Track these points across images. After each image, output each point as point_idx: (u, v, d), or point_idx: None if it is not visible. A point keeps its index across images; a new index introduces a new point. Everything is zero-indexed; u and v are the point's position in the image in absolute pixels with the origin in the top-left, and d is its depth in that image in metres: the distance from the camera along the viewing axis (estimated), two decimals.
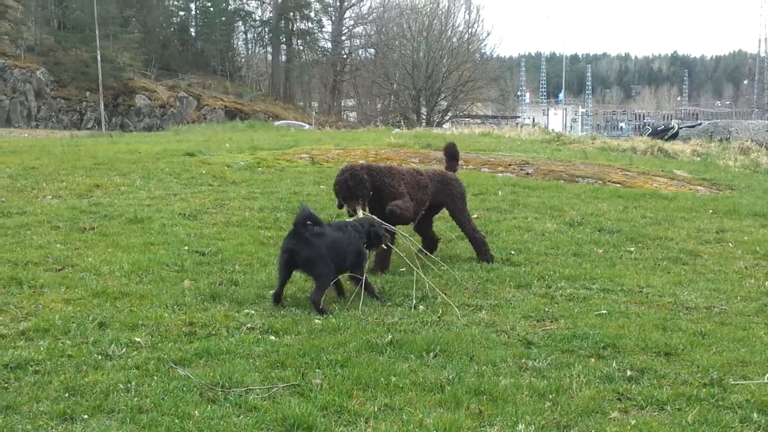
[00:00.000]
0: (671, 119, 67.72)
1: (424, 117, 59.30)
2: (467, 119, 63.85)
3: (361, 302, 6.84)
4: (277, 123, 50.45)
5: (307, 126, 51.37)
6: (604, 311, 6.95)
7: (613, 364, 5.55)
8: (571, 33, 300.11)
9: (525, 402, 4.79)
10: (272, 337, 5.92)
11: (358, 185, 8.04)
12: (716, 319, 6.90)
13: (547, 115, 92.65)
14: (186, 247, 8.75)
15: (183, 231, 9.59)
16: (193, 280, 7.46)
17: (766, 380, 5.31)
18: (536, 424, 4.46)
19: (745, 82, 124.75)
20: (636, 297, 7.59)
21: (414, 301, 7.10)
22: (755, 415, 4.73)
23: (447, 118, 63.00)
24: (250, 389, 4.80)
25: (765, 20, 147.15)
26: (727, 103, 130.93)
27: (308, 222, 6.90)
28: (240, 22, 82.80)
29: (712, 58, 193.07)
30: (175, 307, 6.58)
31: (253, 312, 6.54)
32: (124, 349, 5.46)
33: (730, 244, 10.17)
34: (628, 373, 5.39)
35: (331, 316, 6.55)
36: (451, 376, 5.16)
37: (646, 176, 16.81)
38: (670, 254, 9.54)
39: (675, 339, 6.18)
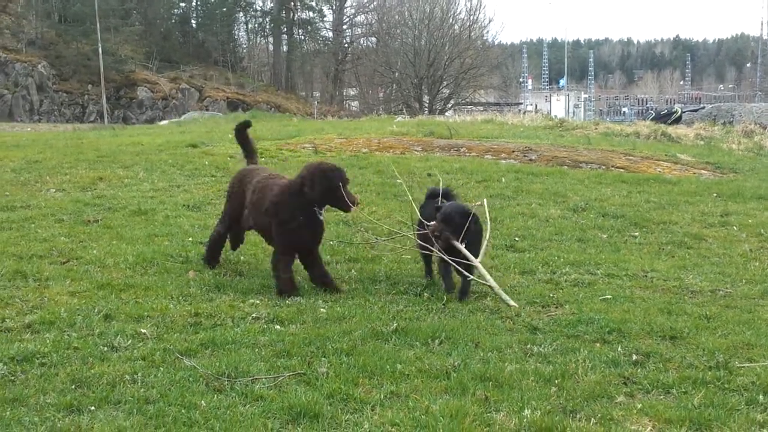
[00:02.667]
0: (674, 103, 67.60)
1: (426, 105, 59.19)
2: (470, 106, 63.73)
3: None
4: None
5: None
6: (609, 296, 6.96)
7: (619, 349, 5.55)
8: (573, 18, 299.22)
9: (531, 387, 4.80)
10: (277, 327, 5.93)
11: None
12: (721, 303, 6.90)
13: (550, 101, 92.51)
14: (190, 239, 8.77)
15: (187, 222, 9.61)
16: (197, 271, 7.49)
17: None
18: (542, 409, 4.46)
19: (748, 65, 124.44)
20: (641, 281, 7.59)
21: (419, 288, 7.13)
22: (761, 397, 4.73)
23: (449, 105, 62.87)
24: (256, 379, 4.81)
25: (767, 3, 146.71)
26: (730, 86, 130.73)
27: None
28: (241, 12, 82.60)
29: (715, 42, 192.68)
30: (180, 298, 6.59)
31: (258, 302, 6.55)
32: (129, 341, 5.48)
33: (734, 227, 10.16)
34: (634, 357, 5.40)
35: (336, 304, 6.57)
36: (456, 363, 5.17)
37: (650, 161, 16.77)
38: (674, 238, 9.53)
39: (680, 323, 6.18)
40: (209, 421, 4.21)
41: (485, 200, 8.14)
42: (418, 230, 7.57)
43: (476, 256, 6.95)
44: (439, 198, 7.61)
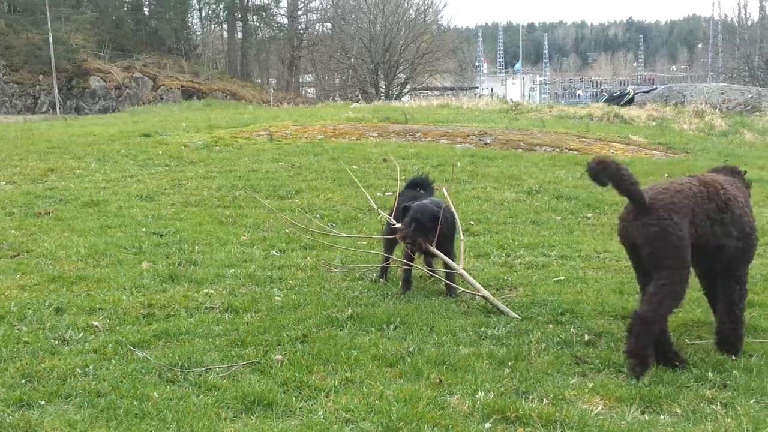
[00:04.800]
0: (627, 85, 68.24)
1: (382, 90, 59.13)
2: (426, 91, 63.64)
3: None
4: None
5: None
6: (562, 278, 7.03)
7: (571, 329, 5.62)
8: (528, 2, 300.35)
9: (484, 370, 4.84)
10: (232, 316, 5.91)
11: None
12: None
13: (505, 85, 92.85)
14: (143, 229, 8.69)
15: (140, 213, 9.52)
16: (151, 261, 7.42)
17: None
18: (495, 391, 4.50)
19: (700, 46, 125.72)
20: (593, 262, 7.68)
21: (375, 275, 7.14)
22: (710, 373, 4.81)
23: (405, 90, 62.84)
24: (209, 369, 4.79)
25: None
26: (683, 67, 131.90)
27: None
28: None
29: (667, 23, 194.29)
30: (133, 289, 6.54)
31: (212, 291, 6.51)
32: (81, 334, 5.42)
33: None
34: (586, 337, 5.47)
35: (291, 292, 6.56)
36: (411, 348, 5.19)
37: (603, 142, 16.94)
38: None
39: (632, 302, 6.25)
40: (161, 412, 4.18)
41: (445, 190, 7.98)
42: (388, 230, 7.12)
43: (449, 250, 6.73)
44: (418, 189, 7.39)
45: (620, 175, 4.95)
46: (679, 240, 4.85)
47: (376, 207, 8.04)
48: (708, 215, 5.01)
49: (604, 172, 5.02)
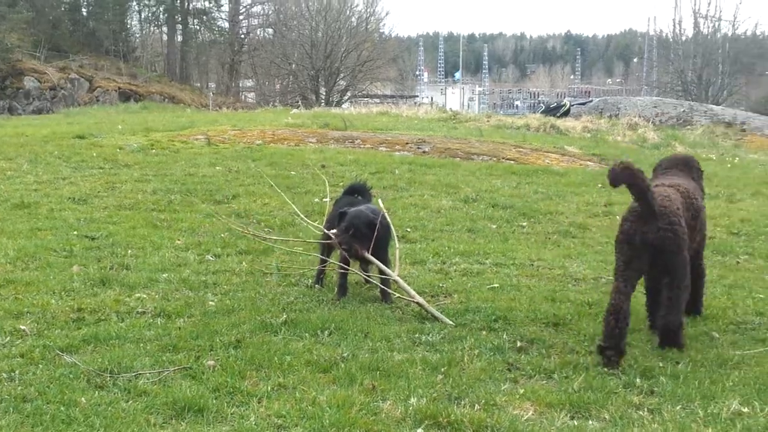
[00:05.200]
0: (564, 97, 69.26)
1: (323, 97, 59.05)
2: (366, 99, 63.79)
3: None
4: None
5: None
6: (497, 285, 7.09)
7: (504, 336, 5.68)
8: (468, 12, 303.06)
9: (418, 376, 4.86)
10: (164, 321, 5.83)
11: None
12: (603, 290, 7.08)
13: (445, 94, 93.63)
14: (75, 232, 8.54)
15: (72, 215, 9.34)
16: (82, 265, 7.28)
17: (649, 347, 5.52)
18: (428, 396, 4.52)
19: (635, 60, 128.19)
20: (527, 270, 7.76)
21: (310, 281, 7.12)
22: (638, 380, 4.91)
23: (346, 97, 62.86)
24: (139, 374, 4.72)
25: None
26: (618, 80, 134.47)
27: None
28: (134, 1, 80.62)
29: (604, 37, 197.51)
30: (63, 293, 6.41)
31: (144, 296, 6.42)
32: (7, 338, 5.31)
33: (617, 216, 10.37)
34: (518, 344, 5.53)
35: (225, 297, 6.50)
36: (345, 354, 5.19)
37: (539, 153, 17.17)
38: (560, 228, 9.79)
39: (563, 309, 6.36)
40: (89, 418, 4.11)
41: (381, 200, 8.01)
42: (326, 235, 7.08)
43: (384, 257, 6.77)
44: (356, 195, 7.42)
45: (641, 179, 5.26)
46: (686, 242, 5.45)
47: (299, 213, 8.03)
48: (687, 222, 5.53)
49: (624, 173, 5.24)
